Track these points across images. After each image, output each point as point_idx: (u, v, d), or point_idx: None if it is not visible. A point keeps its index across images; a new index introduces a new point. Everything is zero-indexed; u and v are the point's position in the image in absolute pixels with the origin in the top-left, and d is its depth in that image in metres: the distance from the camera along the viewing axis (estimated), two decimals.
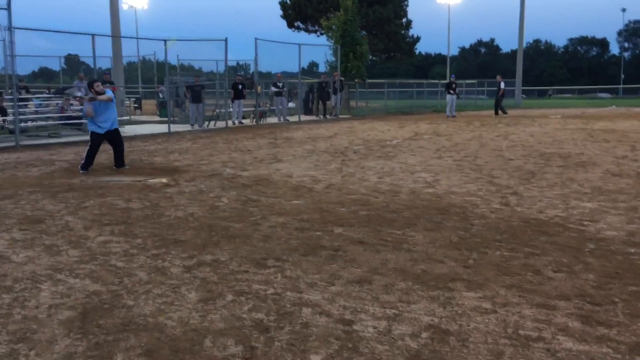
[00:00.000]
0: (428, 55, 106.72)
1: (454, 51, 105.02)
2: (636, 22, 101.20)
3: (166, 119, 18.87)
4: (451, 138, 14.97)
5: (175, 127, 18.09)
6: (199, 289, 3.96)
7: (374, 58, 37.65)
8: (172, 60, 23.35)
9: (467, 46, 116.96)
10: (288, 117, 23.65)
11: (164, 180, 8.64)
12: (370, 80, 33.99)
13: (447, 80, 28.54)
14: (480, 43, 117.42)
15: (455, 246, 4.98)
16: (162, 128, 18.22)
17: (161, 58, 22.07)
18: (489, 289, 3.93)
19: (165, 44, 18.36)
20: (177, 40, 19.59)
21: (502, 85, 26.76)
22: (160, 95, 24.76)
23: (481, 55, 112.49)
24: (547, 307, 3.61)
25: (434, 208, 6.54)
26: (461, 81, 36.83)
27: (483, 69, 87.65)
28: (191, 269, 4.40)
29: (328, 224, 5.81)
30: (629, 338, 3.16)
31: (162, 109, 23.04)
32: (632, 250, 4.80)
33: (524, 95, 45.59)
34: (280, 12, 38.44)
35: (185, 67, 26.67)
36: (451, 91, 26.60)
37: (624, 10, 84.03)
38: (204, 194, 7.55)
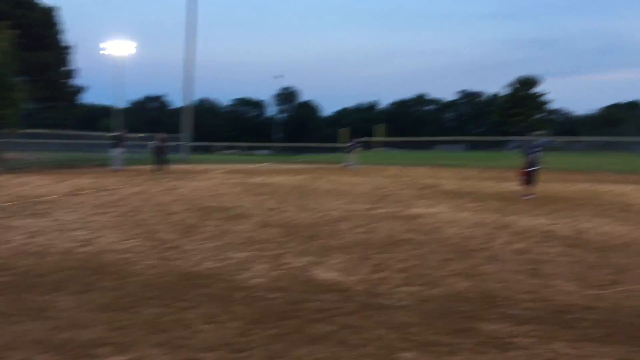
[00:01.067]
0: (97, 107, 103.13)
1: (125, 104, 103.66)
2: (288, 88, 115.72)
3: None
4: (115, 193, 14.54)
5: None
6: None
7: (32, 107, 34.64)
8: None
9: (137, 100, 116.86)
10: None
11: None
12: (28, 130, 31.00)
13: (115, 133, 27.74)
14: (149, 98, 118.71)
15: (106, 308, 4.74)
16: None
17: None
18: (137, 350, 3.83)
19: None
20: None
21: (161, 142, 27.19)
22: None
23: (150, 110, 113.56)
24: None
25: (88, 268, 6.17)
26: (131, 135, 36.39)
27: (152, 123, 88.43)
28: None
29: None
30: None
31: None
32: (274, 295, 5.27)
33: (191, 151, 47.40)
34: None
35: None
36: (119, 144, 26.00)
37: (278, 76, 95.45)
38: None
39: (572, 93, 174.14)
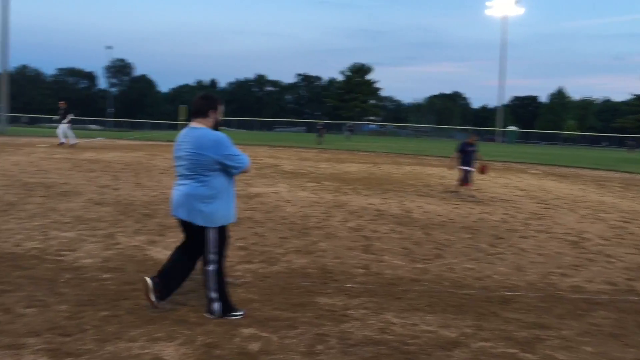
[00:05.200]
0: None
1: None
2: (121, 60, 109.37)
3: None
4: None
5: None
6: None
7: None
8: None
9: None
10: None
11: None
12: None
13: None
14: None
15: None
16: None
17: None
18: None
19: None
20: None
21: None
22: None
23: None
24: (15, 346, 3.37)
25: None
26: None
27: None
28: None
29: None
30: None
31: None
32: (106, 276, 4.98)
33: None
34: None
35: None
36: None
37: (109, 47, 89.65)
38: None
39: (399, 82, 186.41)
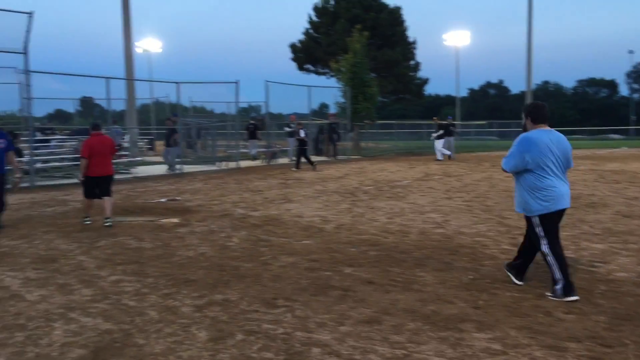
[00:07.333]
0: (437, 97, 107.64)
1: (463, 92, 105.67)
2: None
3: (178, 160, 19.04)
4: (461, 179, 15.01)
5: (187, 168, 18.32)
6: (209, 328, 3.98)
7: (384, 99, 37.89)
8: (185, 102, 23.79)
9: (476, 87, 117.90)
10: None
11: (175, 220, 8.73)
12: (380, 121, 34.30)
13: (444, 122, 26.88)
14: (489, 84, 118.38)
15: (465, 287, 4.98)
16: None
17: (174, 100, 21.90)
18: (499, 330, 3.92)
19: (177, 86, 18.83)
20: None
21: (302, 133, 19.50)
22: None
23: (490, 97, 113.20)
24: (558, 348, 3.60)
25: (444, 249, 6.55)
26: (471, 122, 36.92)
27: (493, 110, 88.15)
28: (201, 309, 4.43)
29: (338, 264, 5.84)
30: None
31: None
32: None
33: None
34: (291, 55, 38.99)
35: (198, 109, 27.18)
36: (446, 133, 25.31)
37: (631, 52, 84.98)
38: (215, 233, 7.62)
39: None
